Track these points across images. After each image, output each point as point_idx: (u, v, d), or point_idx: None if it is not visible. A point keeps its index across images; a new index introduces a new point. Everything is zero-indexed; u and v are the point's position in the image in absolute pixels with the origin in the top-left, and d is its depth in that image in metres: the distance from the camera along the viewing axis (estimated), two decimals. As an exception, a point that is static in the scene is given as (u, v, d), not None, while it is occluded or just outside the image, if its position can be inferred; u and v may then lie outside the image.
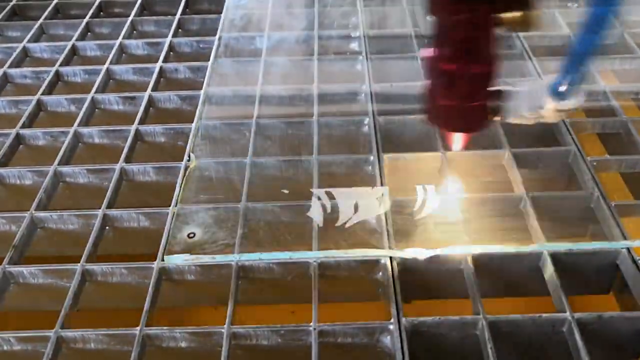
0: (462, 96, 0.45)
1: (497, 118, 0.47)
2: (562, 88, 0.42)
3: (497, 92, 0.45)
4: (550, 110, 0.43)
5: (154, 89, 0.80)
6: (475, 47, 0.42)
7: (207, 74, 0.82)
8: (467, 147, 0.64)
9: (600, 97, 0.75)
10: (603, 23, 0.37)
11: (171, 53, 0.89)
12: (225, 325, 0.51)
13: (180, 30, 0.95)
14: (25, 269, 0.57)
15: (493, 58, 0.43)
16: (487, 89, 0.45)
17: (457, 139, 0.50)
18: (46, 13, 0.99)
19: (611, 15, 0.37)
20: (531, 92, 0.44)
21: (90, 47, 0.91)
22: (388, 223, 0.59)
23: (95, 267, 0.57)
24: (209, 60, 0.85)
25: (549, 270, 0.55)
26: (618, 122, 0.71)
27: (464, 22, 0.41)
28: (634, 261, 0.55)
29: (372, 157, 0.67)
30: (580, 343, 0.48)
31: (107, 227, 0.63)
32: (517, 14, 0.40)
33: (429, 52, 0.44)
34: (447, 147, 0.61)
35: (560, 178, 0.65)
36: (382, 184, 0.63)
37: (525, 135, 0.69)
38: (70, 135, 0.73)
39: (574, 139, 0.68)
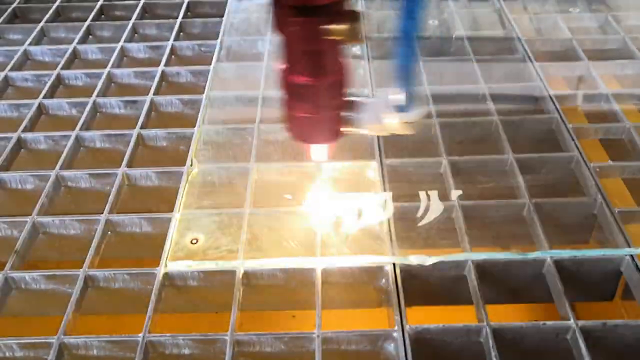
0: (314, 107, 0.45)
1: (349, 129, 0.47)
2: (399, 101, 0.44)
3: (348, 102, 0.46)
4: (394, 123, 0.44)
5: (156, 92, 0.80)
6: (318, 58, 0.43)
7: (209, 77, 0.82)
8: (470, 153, 0.65)
9: (603, 103, 0.75)
10: (410, 36, 0.39)
11: (173, 57, 0.89)
12: (229, 332, 0.51)
13: (182, 33, 0.95)
14: (27, 275, 0.57)
15: (339, 68, 0.44)
16: (338, 99, 0.45)
17: (317, 150, 0.50)
18: (47, 16, 0.98)
19: (414, 28, 0.39)
20: (376, 104, 0.45)
21: (91, 51, 0.90)
22: (391, 229, 0.59)
23: (98, 273, 0.57)
24: (211, 63, 0.85)
25: (552, 277, 0.55)
26: (621, 128, 0.71)
27: (297, 35, 0.42)
28: (638, 268, 0.55)
29: (374, 163, 0.67)
30: (584, 351, 0.48)
31: (109, 233, 0.62)
32: (342, 26, 0.41)
33: (280, 66, 0.45)
34: (308, 158, 0.61)
35: (563, 184, 0.65)
36: (385, 190, 0.63)
37: (528, 141, 0.69)
38: (71, 139, 0.72)
39: (577, 145, 0.68)
